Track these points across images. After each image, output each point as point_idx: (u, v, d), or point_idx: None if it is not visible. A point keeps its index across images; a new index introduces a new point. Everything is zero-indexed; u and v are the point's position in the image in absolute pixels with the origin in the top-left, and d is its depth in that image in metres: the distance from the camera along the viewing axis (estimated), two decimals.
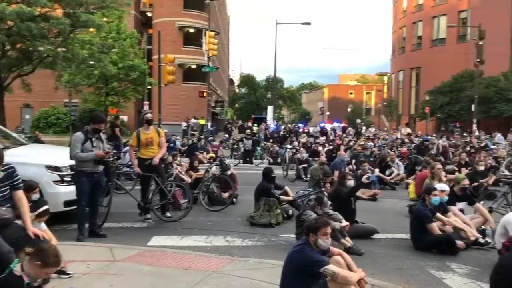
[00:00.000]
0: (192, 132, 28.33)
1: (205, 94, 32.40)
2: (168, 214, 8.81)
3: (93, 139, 7.23)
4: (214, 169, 10.92)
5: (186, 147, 21.37)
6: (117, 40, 29.35)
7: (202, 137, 23.35)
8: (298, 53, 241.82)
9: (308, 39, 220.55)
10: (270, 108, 41.89)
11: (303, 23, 37.84)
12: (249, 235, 7.89)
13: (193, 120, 33.98)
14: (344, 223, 7.14)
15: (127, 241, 7.05)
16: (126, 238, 7.38)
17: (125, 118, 34.70)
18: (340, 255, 4.98)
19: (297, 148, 18.70)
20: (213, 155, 16.55)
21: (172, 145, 21.72)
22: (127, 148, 11.70)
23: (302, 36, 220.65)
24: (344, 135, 33.55)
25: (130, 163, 9.99)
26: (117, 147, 16.22)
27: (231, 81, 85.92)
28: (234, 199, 10.52)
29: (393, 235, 8.02)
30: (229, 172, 10.87)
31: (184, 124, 32.63)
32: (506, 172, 14.65)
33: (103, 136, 7.62)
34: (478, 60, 33.75)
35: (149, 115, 8.93)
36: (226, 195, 10.40)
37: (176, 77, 29.25)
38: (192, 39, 42.14)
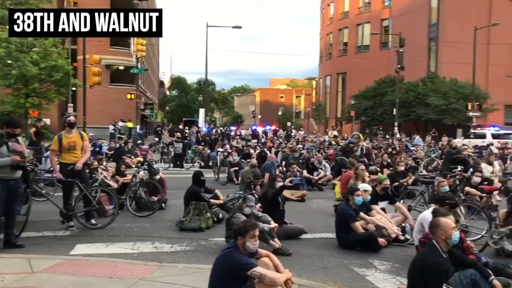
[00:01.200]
0: (120, 136, 27.45)
1: (133, 96, 31.52)
2: (92, 221, 8.46)
3: (9, 143, 6.77)
4: (142, 174, 10.64)
5: (113, 151, 20.66)
6: (38, 38, 27.77)
7: (130, 140, 22.68)
8: (230, 56, 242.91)
9: (239, 43, 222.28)
10: (201, 111, 41.67)
11: (234, 27, 38.06)
12: (178, 240, 7.77)
13: (120, 123, 32.94)
14: (273, 224, 7.24)
15: (48, 251, 6.68)
16: (47, 247, 6.98)
17: (47, 121, 32.88)
18: (267, 257, 5.04)
19: (229, 151, 18.74)
20: (141, 159, 16.14)
21: (98, 149, 20.91)
22: (48, 152, 11.09)
23: (233, 40, 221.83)
24: (275, 137, 34.16)
25: (51, 168, 9.47)
26: (37, 151, 15.39)
27: (161, 83, 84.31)
28: (163, 204, 10.32)
29: (320, 235, 8.26)
30: (157, 177, 10.65)
31: (111, 127, 31.54)
32: (424, 172, 15.63)
33: (21, 140, 7.17)
34: (398, 66, 35.80)
35: (71, 118, 8.53)
36: (154, 200, 10.17)
37: (103, 78, 28.21)
38: (119, 39, 40.86)
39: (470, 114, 33.43)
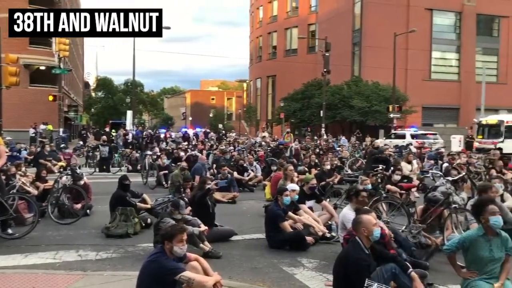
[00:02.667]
0: (41, 139, 25.97)
1: (51, 98, 29.87)
2: (9, 230, 7.91)
3: None
4: (65, 179, 10.12)
5: (33, 156, 19.48)
6: None
7: (49, 143, 21.49)
8: (159, 57, 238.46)
9: (169, 43, 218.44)
10: (129, 113, 40.50)
11: (163, 27, 37.36)
12: (104, 247, 7.48)
13: (42, 126, 31.18)
14: (203, 227, 7.18)
15: None
16: None
17: None
18: (196, 261, 5.01)
19: (158, 154, 18.36)
20: (64, 163, 15.36)
21: (16, 154, 19.64)
22: None
23: (162, 40, 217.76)
24: (207, 140, 33.95)
25: None
26: None
27: (86, 84, 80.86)
28: (87, 210, 9.89)
29: (250, 236, 8.31)
30: (81, 182, 10.19)
31: (31, 130, 29.76)
32: (349, 171, 16.29)
33: None
34: (325, 70, 37.02)
35: None
36: (78, 206, 9.72)
37: (21, 79, 26.48)
38: (39, 38, 38.63)
39: (391, 115, 35.31)
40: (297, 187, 8.48)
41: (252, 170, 15.13)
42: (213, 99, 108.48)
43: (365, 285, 4.42)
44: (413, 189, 10.36)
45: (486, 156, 16.20)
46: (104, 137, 23.24)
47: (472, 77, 45.39)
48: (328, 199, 9.56)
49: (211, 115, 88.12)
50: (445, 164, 14.88)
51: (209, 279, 4.61)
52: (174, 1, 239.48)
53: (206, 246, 6.93)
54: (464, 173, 9.29)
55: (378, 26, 42.33)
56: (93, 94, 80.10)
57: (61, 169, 12.92)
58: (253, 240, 8.09)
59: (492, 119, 34.28)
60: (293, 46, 61.25)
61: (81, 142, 32.46)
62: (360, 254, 4.61)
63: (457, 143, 32.46)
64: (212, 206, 7.99)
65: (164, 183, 14.75)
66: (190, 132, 41.14)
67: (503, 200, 7.99)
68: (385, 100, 38.45)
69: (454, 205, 6.95)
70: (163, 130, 41.64)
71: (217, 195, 11.05)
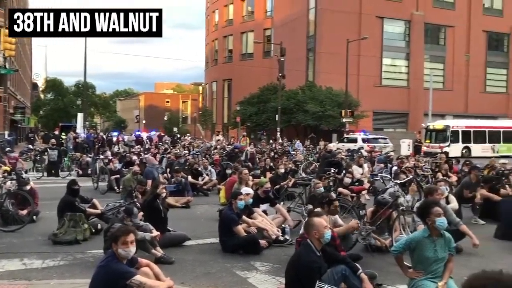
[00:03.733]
0: None
1: None
2: None
3: None
4: (9, 184, 9.66)
5: None
6: None
7: None
8: (112, 58, 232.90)
9: (122, 44, 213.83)
10: (80, 116, 39.25)
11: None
12: (51, 254, 7.19)
13: None
14: (155, 233, 7.06)
15: None
16: None
17: None
18: (148, 266, 4.93)
19: (110, 158, 17.89)
20: (9, 168, 14.65)
21: None
22: None
23: (116, 41, 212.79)
24: (161, 143, 33.47)
25: None
26: None
27: (34, 86, 77.69)
28: (34, 217, 9.48)
29: (204, 241, 8.25)
30: (27, 187, 9.76)
31: None
32: (303, 175, 16.50)
33: None
34: (280, 74, 37.45)
35: None
36: (24, 212, 9.30)
37: None
38: None
39: (344, 120, 36.18)
40: (251, 191, 8.50)
41: (206, 174, 15.04)
42: (168, 102, 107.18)
43: (316, 287, 4.49)
44: (364, 192, 10.63)
45: (433, 160, 16.88)
46: (53, 140, 22.38)
47: (420, 83, 47.25)
48: (282, 203, 9.64)
49: (165, 118, 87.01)
50: (394, 168, 15.37)
51: (161, 284, 4.55)
52: (131, 2, 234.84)
53: (158, 251, 6.82)
54: (411, 176, 9.63)
55: (332, 33, 43.28)
56: (42, 95, 77.08)
57: (5, 174, 12.30)
58: (206, 244, 8.03)
59: (439, 124, 35.86)
60: (249, 50, 61.56)
61: (29, 146, 31.13)
62: (312, 256, 4.68)
63: (406, 147, 33.71)
64: (165, 211, 7.86)
65: (115, 187, 14.38)
66: (144, 135, 40.45)
67: (448, 202, 8.33)
68: (338, 105, 39.32)
69: (402, 207, 7.19)
70: (116, 133, 40.70)
71: (171, 200, 10.89)
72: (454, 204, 8.48)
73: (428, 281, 4.83)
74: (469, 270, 6.45)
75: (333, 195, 6.59)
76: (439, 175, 12.71)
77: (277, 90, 41.72)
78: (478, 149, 33.85)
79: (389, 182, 10.17)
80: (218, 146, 25.16)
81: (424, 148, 32.44)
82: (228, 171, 14.42)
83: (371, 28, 44.07)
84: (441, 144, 33.06)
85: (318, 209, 5.97)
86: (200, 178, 14.54)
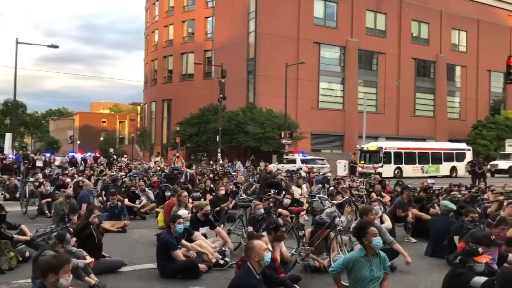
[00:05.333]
0: None
1: None
2: None
3: None
4: None
5: None
6: None
7: None
8: (45, 76, 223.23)
9: (57, 63, 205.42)
10: (8, 136, 37.07)
11: (49, 46, 35.12)
12: None
13: None
14: (89, 259, 6.74)
15: None
16: None
17: None
18: None
19: (40, 180, 16.98)
20: None
21: None
22: None
23: (50, 60, 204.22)
24: (96, 165, 32.32)
25: None
26: None
27: None
28: None
29: (141, 266, 7.96)
30: None
31: None
32: (244, 196, 16.51)
33: None
34: (221, 95, 37.61)
35: None
36: None
37: None
38: None
39: (283, 141, 36.80)
40: (185, 213, 8.37)
41: (144, 197, 14.63)
42: (104, 122, 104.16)
43: None
44: (302, 213, 10.79)
45: (367, 180, 17.50)
46: None
47: (355, 106, 49.22)
48: (222, 225, 9.55)
49: (101, 138, 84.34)
50: (331, 188, 15.76)
51: None
52: (62, 19, 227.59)
53: (92, 279, 6.50)
54: (347, 197, 9.92)
55: (271, 56, 44.25)
56: None
57: None
58: (143, 270, 7.76)
59: (372, 146, 37.43)
60: (189, 71, 61.45)
61: None
62: (251, 280, 4.65)
63: (342, 167, 34.79)
64: (99, 236, 7.53)
65: (47, 212, 13.63)
66: (78, 156, 38.88)
67: (382, 221, 8.64)
68: (278, 126, 40.00)
69: (339, 227, 7.36)
70: (48, 155, 38.78)
71: (106, 224, 10.47)
72: (388, 223, 8.81)
73: None
74: (401, 286, 6.73)
75: (281, 221, 6.57)
76: (373, 195, 13.18)
77: (217, 111, 41.81)
78: (409, 170, 35.64)
79: (326, 203, 10.43)
80: (158, 168, 24.67)
81: (359, 169, 33.61)
82: (167, 194, 14.12)
83: (308, 53, 45.56)
84: (375, 165, 34.46)
85: (263, 233, 5.96)
86: (137, 201, 14.11)
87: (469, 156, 39.52)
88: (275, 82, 41.35)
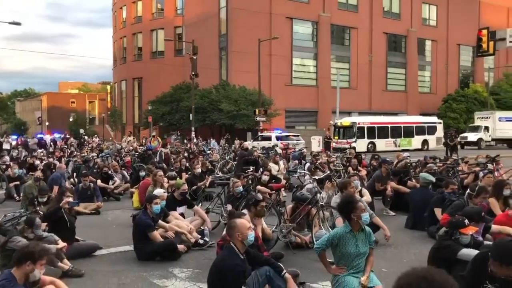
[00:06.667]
0: None
1: None
2: None
3: None
4: None
5: None
6: None
7: None
8: (10, 56, 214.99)
9: (22, 42, 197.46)
10: None
11: (11, 23, 33.48)
12: None
13: None
14: (61, 244, 6.42)
15: None
16: None
17: None
18: (52, 284, 4.43)
19: (8, 163, 16.35)
20: None
21: None
22: None
23: (14, 39, 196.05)
24: (66, 146, 31.51)
25: None
26: None
27: None
28: None
29: (116, 249, 7.69)
30: None
31: None
32: (220, 174, 16.28)
33: None
34: (193, 73, 36.85)
35: None
36: None
37: None
38: None
39: (258, 119, 36.54)
40: (162, 192, 8.11)
41: (117, 178, 14.24)
42: (73, 102, 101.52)
43: None
44: (281, 189, 10.66)
45: (343, 155, 17.51)
46: None
47: (328, 82, 49.24)
48: (200, 204, 9.32)
49: (71, 119, 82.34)
50: (308, 164, 15.68)
51: None
52: None
53: (66, 264, 6.21)
54: (328, 172, 9.81)
55: (244, 32, 43.55)
56: None
57: None
58: (120, 253, 7.49)
59: (346, 121, 37.63)
60: (159, 48, 59.99)
61: None
62: (235, 260, 4.46)
63: (316, 143, 34.88)
64: (71, 220, 7.19)
65: (15, 195, 13.12)
66: (47, 138, 37.78)
67: (361, 195, 8.57)
68: (252, 104, 39.67)
69: (321, 203, 7.23)
70: (15, 137, 37.56)
71: (79, 207, 10.09)
72: (367, 197, 8.75)
73: (350, 276, 4.83)
74: (386, 261, 6.68)
75: (260, 196, 6.39)
76: (350, 170, 13.16)
77: (190, 89, 41.11)
78: (382, 144, 36.08)
79: (305, 179, 10.31)
80: (131, 148, 24.14)
81: (333, 144, 33.78)
82: (142, 174, 13.75)
83: (281, 28, 45.02)
84: (349, 140, 34.73)
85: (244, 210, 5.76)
86: (110, 182, 13.71)
87: (440, 129, 40.27)
88: (248, 59, 40.81)
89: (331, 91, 46.55)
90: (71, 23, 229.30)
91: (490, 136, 40.38)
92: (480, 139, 39.33)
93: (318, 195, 7.24)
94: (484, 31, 22.71)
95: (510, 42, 22.34)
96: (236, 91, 41.96)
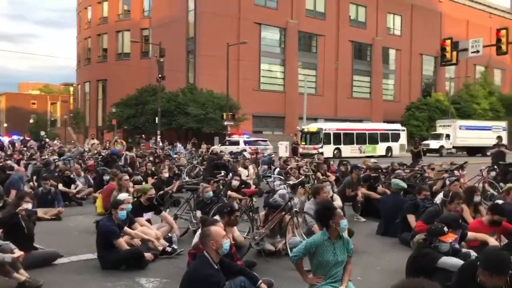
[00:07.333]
0: None
1: None
2: None
3: None
4: None
5: None
6: None
7: None
8: None
9: None
10: None
11: None
12: None
13: None
14: (18, 253, 5.95)
15: None
16: None
17: None
18: None
19: None
20: None
21: None
22: None
23: None
24: (25, 148, 30.23)
25: None
26: None
27: None
28: None
29: (78, 257, 7.25)
30: None
31: None
32: (187, 179, 15.91)
33: None
34: (159, 75, 36.19)
35: None
36: None
37: None
38: None
39: (225, 123, 36.27)
40: (126, 196, 7.74)
41: (80, 182, 13.65)
42: (34, 103, 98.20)
43: None
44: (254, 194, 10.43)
45: (312, 161, 17.46)
46: None
47: (295, 88, 49.51)
48: (167, 210, 8.97)
49: (31, 121, 79.56)
50: (277, 169, 15.55)
51: None
52: None
53: (22, 274, 5.75)
54: (302, 178, 9.67)
55: (212, 36, 43.25)
56: None
57: None
58: (82, 261, 7.05)
59: (313, 127, 37.92)
60: (125, 50, 58.82)
61: None
62: (209, 270, 4.20)
63: (284, 148, 34.92)
64: (29, 226, 6.70)
65: None
66: (5, 140, 36.25)
67: (332, 201, 8.46)
68: (220, 108, 39.37)
69: (295, 209, 7.05)
70: None
71: (38, 212, 9.52)
72: (338, 202, 8.64)
73: (328, 286, 4.66)
74: (361, 268, 6.54)
75: (236, 205, 6.10)
76: (319, 175, 13.11)
77: (156, 92, 40.39)
78: (347, 150, 36.50)
79: (276, 183, 10.13)
80: (95, 151, 23.36)
81: (300, 150, 33.90)
82: (106, 178, 13.22)
83: (249, 34, 44.97)
84: (315, 146, 34.94)
85: (216, 217, 5.49)
86: (72, 186, 13.12)
87: (403, 137, 41.13)
88: (216, 62, 40.51)
89: (298, 97, 46.80)
90: (33, 22, 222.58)
91: (451, 143, 41.55)
92: (441, 147, 40.42)
93: (292, 201, 7.06)
94: (448, 41, 23.21)
95: (472, 52, 22.92)
96: (203, 95, 41.55)
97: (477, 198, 7.54)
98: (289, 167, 13.99)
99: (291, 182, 8.22)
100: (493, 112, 56.69)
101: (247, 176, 13.65)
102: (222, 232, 4.38)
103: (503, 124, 46.36)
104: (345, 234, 4.85)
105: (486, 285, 3.40)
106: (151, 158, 20.28)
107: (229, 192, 9.59)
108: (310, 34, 52.63)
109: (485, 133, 42.30)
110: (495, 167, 13.87)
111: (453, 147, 41.38)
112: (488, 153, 21.50)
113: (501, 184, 12.48)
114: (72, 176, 13.50)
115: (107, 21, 60.48)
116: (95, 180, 14.41)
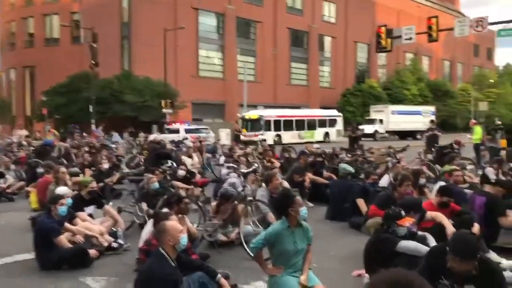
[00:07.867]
0: None
1: None
2: None
3: None
4: None
5: None
6: None
7: None
8: None
9: None
10: None
11: None
12: None
13: None
14: None
15: None
16: None
17: None
18: None
19: None
20: None
21: None
22: None
23: None
24: None
25: None
26: None
27: None
28: None
29: (13, 258, 6.65)
30: None
31: None
32: (127, 169, 15.26)
33: None
34: (93, 62, 34.45)
35: None
36: None
37: None
38: None
39: (164, 111, 35.35)
40: (66, 190, 7.22)
41: (10, 176, 12.67)
42: None
43: None
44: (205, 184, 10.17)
45: (256, 148, 17.39)
46: None
47: (234, 75, 49.22)
48: (110, 203, 8.48)
49: None
50: (222, 157, 15.33)
51: None
52: None
53: None
54: (255, 166, 9.50)
55: (148, 21, 41.83)
56: None
57: None
58: (18, 263, 6.47)
59: (253, 114, 37.98)
60: (54, 35, 55.43)
61: None
62: (166, 268, 3.92)
63: (225, 136, 34.69)
64: None
65: None
66: None
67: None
68: (157, 95, 38.30)
69: (248, 198, 6.88)
70: None
71: None
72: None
73: (289, 276, 4.53)
74: (314, 254, 6.40)
75: (183, 193, 5.83)
76: (265, 162, 13.03)
77: (89, 79, 38.49)
78: (287, 136, 36.93)
79: (224, 173, 9.92)
80: (24, 142, 21.86)
81: (241, 137, 33.82)
82: (39, 170, 12.34)
83: (187, 19, 43.96)
84: (256, 133, 35.01)
85: (165, 210, 5.18)
86: (1, 181, 12.15)
87: (340, 122, 42.25)
88: (152, 49, 39.30)
89: (238, 84, 46.59)
90: None
91: (384, 128, 43.29)
92: (376, 131, 42.00)
93: (245, 189, 6.88)
94: (383, 29, 23.90)
95: (406, 39, 23.72)
96: (140, 81, 40.19)
97: (422, 181, 7.75)
98: (236, 154, 13.79)
99: (244, 171, 8.02)
100: (422, 97, 59.60)
101: (192, 165, 13.31)
102: (179, 227, 4.11)
103: (432, 108, 48.97)
104: (304, 222, 4.72)
105: (455, 270, 3.41)
106: (86, 149, 19.28)
107: (175, 182, 9.24)
108: (248, 21, 52.36)
109: (415, 117, 44.49)
110: (432, 149, 14.48)
111: (386, 131, 43.14)
112: (420, 136, 22.50)
113: (437, 166, 13.05)
114: (0, 169, 12.49)
115: (33, 3, 56.65)
116: (27, 173, 13.44)
